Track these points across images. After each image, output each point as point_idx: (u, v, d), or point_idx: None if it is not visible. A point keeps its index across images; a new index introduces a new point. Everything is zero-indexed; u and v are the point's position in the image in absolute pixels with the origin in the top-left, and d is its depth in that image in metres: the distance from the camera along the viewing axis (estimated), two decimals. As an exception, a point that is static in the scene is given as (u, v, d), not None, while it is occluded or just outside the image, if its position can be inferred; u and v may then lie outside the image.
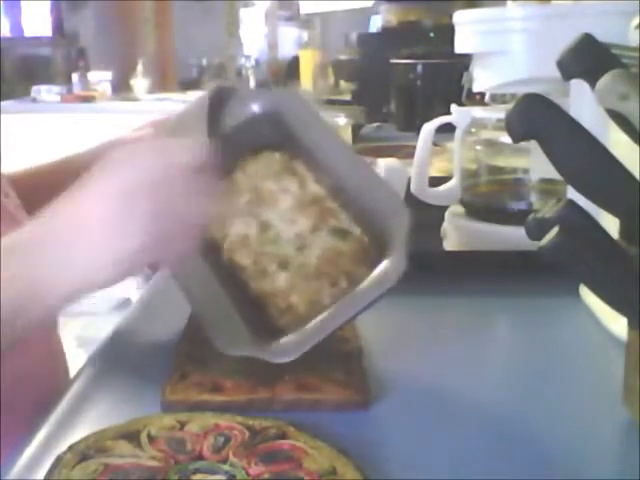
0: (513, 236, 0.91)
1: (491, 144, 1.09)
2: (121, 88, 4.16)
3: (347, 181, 0.70)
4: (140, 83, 4.13)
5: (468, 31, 1.02)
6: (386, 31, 2.86)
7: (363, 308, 0.63)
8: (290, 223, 0.70)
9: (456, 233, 1.07)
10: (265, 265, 0.68)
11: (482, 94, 1.16)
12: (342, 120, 1.76)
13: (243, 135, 0.75)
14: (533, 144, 0.56)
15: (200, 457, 0.53)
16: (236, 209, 0.71)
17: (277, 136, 0.74)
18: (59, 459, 0.52)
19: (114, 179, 0.56)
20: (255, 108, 0.75)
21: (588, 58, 0.56)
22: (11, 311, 0.53)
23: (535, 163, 1.06)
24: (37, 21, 4.43)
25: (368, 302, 0.62)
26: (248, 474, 0.51)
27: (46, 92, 3.91)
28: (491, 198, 1.11)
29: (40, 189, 0.89)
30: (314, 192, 0.72)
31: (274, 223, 0.70)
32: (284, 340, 0.63)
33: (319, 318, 0.63)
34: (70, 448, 0.53)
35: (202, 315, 0.66)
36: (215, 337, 0.63)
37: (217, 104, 0.74)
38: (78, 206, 0.56)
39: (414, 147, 1.12)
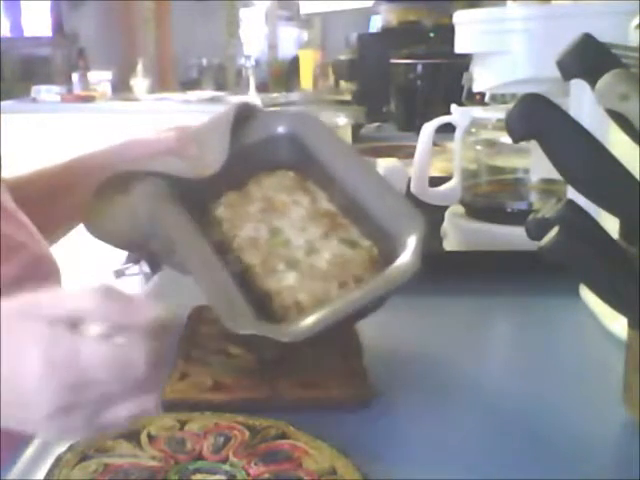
0: (513, 236, 0.91)
1: (491, 144, 1.09)
2: (121, 88, 4.16)
3: (361, 200, 0.71)
4: (140, 83, 4.13)
5: (468, 31, 1.02)
6: (386, 31, 2.86)
7: (375, 301, 0.63)
8: (301, 230, 0.70)
9: (456, 233, 1.07)
10: (274, 264, 0.67)
11: (482, 94, 1.16)
12: (342, 120, 1.76)
13: (261, 152, 0.76)
14: (533, 144, 0.56)
15: (200, 457, 0.53)
16: (247, 214, 0.72)
17: (293, 157, 0.76)
18: (59, 459, 0.52)
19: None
20: (276, 128, 0.77)
21: (588, 58, 0.56)
22: None
23: (535, 163, 1.06)
24: (37, 21, 4.43)
25: (380, 294, 0.63)
26: (248, 474, 0.51)
27: (46, 92, 3.91)
28: (491, 198, 1.11)
29: (49, 191, 0.89)
30: (326, 208, 0.73)
31: (285, 229, 0.70)
32: (293, 324, 0.63)
33: (331, 306, 0.63)
34: (70, 448, 0.53)
35: (210, 295, 0.65)
36: (224, 316, 0.62)
37: (240, 120, 0.76)
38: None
39: (414, 147, 1.12)
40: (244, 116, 0.77)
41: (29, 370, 0.45)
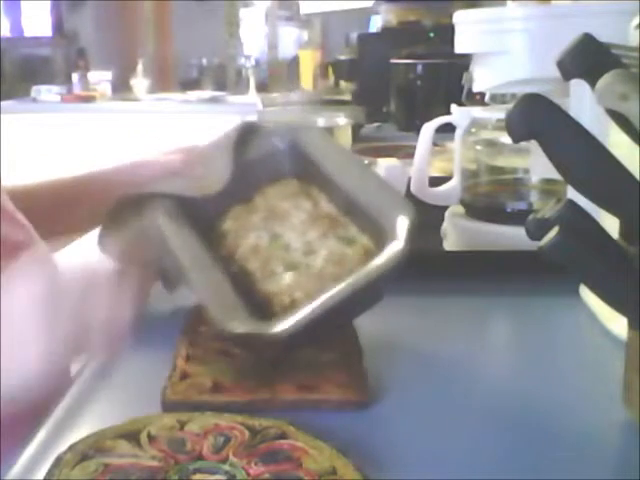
0: (513, 236, 0.91)
1: (491, 144, 1.09)
2: (121, 88, 4.16)
3: (358, 198, 0.72)
4: (140, 83, 4.13)
5: (468, 31, 1.02)
6: (386, 31, 2.86)
7: (365, 289, 0.63)
8: (301, 233, 0.72)
9: (456, 233, 1.07)
10: (272, 268, 0.69)
11: (482, 94, 1.16)
12: (342, 120, 1.75)
13: (264, 166, 0.80)
14: (533, 144, 0.56)
15: (200, 457, 0.53)
16: (251, 224, 0.74)
17: (295, 167, 0.79)
18: (59, 459, 0.52)
19: (40, 280, 0.59)
20: (277, 143, 0.80)
21: (588, 58, 0.56)
22: None
23: (535, 163, 1.06)
24: (37, 21, 4.44)
25: (368, 281, 0.63)
26: (248, 474, 0.51)
27: (46, 92, 3.91)
28: (491, 198, 1.11)
29: (53, 202, 0.91)
30: (326, 210, 0.74)
31: (285, 234, 0.72)
32: (283, 319, 0.63)
33: (321, 296, 0.63)
34: (70, 448, 0.53)
35: (201, 295, 0.66)
36: (217, 319, 0.63)
37: (243, 138, 0.80)
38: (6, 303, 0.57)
39: (414, 147, 1.12)
40: (246, 135, 0.80)
41: (19, 304, 0.54)
